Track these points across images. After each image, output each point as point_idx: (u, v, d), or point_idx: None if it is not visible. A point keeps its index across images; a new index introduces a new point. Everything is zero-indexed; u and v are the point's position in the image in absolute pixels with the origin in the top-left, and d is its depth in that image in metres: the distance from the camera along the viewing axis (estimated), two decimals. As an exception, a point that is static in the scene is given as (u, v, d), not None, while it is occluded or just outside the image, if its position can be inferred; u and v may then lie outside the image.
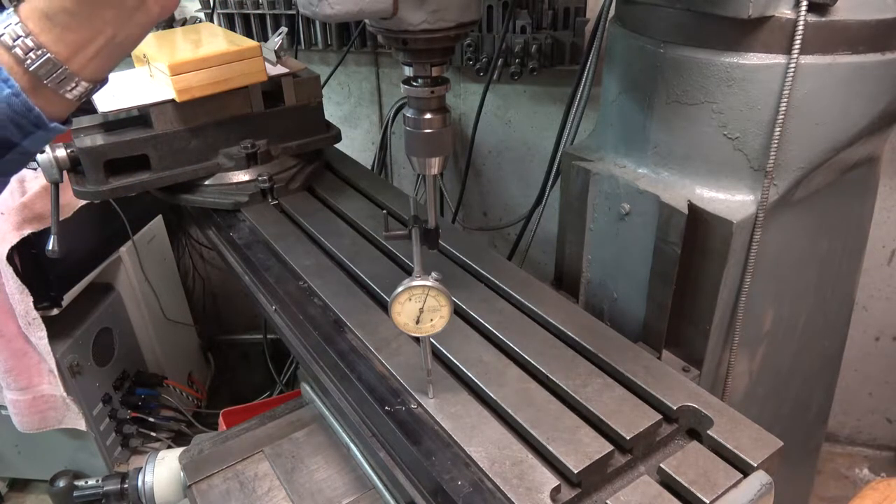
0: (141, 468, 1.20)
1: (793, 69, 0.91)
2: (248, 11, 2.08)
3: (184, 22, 2.25)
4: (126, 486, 1.20)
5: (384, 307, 0.99)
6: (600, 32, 1.50)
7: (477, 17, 0.75)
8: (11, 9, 0.69)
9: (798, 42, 0.89)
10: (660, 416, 0.84)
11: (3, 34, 0.68)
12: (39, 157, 1.29)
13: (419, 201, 0.89)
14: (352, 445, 1.09)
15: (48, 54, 0.69)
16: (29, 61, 0.68)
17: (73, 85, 0.72)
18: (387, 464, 0.90)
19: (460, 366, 0.94)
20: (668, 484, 0.79)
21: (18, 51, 0.68)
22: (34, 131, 0.71)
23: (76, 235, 1.90)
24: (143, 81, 1.40)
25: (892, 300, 2.12)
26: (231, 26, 2.12)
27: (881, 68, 0.95)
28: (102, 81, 0.77)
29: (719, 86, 0.96)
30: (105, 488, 1.21)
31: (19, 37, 0.68)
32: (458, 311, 1.05)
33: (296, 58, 1.96)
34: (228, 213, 1.40)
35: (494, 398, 0.88)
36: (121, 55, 0.76)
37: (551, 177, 1.80)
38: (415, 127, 0.77)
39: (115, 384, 2.14)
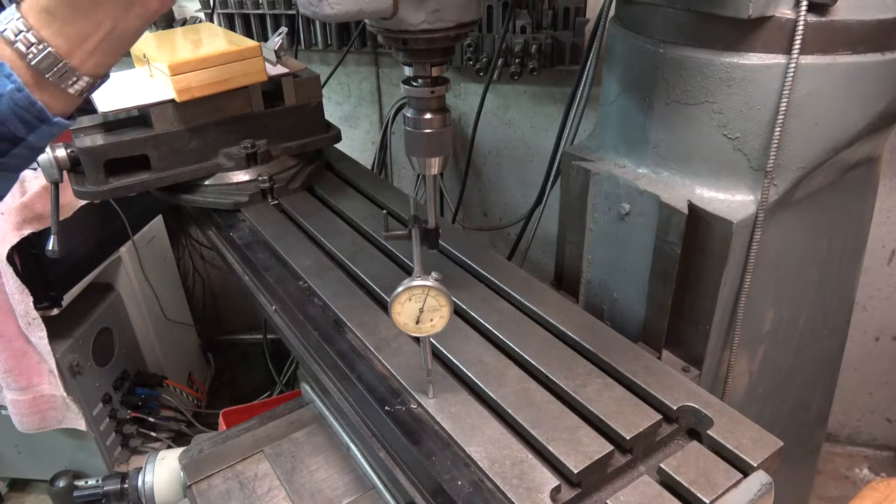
0: (141, 468, 1.20)
1: (793, 69, 0.91)
2: (248, 11, 2.08)
3: (184, 22, 2.25)
4: (126, 486, 1.20)
5: (384, 307, 0.99)
6: (600, 32, 1.50)
7: (477, 17, 0.75)
8: (14, 5, 0.70)
9: (798, 42, 0.89)
10: (660, 416, 0.84)
11: (5, 30, 0.69)
12: (39, 157, 1.29)
13: (419, 201, 0.89)
14: (352, 445, 1.09)
15: (49, 48, 0.69)
16: (31, 56, 0.69)
17: (75, 79, 0.73)
18: (387, 464, 0.90)
19: (460, 366, 0.94)
20: (668, 484, 0.79)
21: (21, 45, 0.69)
22: (38, 125, 0.72)
23: (76, 235, 1.90)
24: (143, 81, 1.40)
25: (892, 300, 2.12)
26: (231, 26, 2.12)
27: (881, 68, 0.95)
28: (104, 77, 0.78)
29: (719, 86, 0.96)
30: (105, 488, 1.21)
31: (21, 32, 0.69)
32: (458, 311, 1.05)
33: (296, 58, 1.95)
34: (228, 213, 1.40)
35: (494, 398, 0.88)
36: (120, 50, 0.76)
37: (551, 177, 1.80)
38: (415, 127, 0.77)
39: (115, 384, 2.14)
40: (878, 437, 2.39)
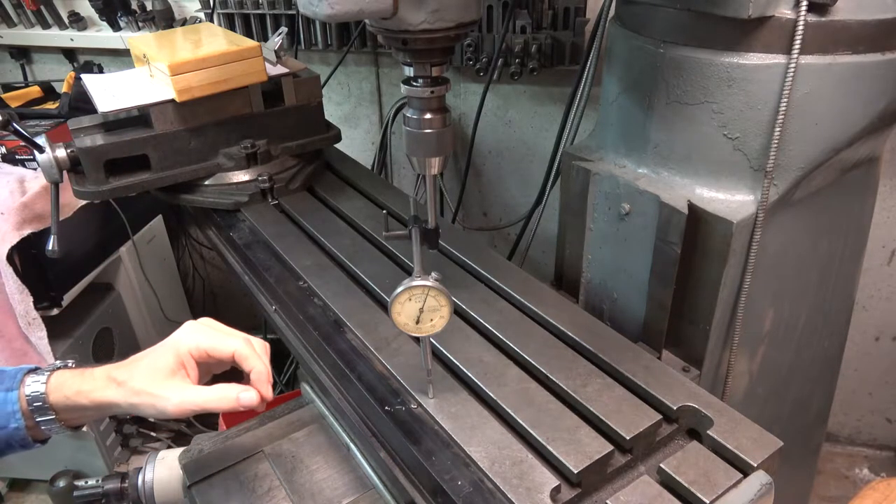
0: (141, 468, 1.20)
1: (793, 69, 0.91)
2: (248, 11, 2.08)
3: (184, 22, 2.25)
4: (126, 485, 1.20)
5: (384, 307, 0.99)
6: (600, 32, 1.50)
7: (477, 16, 0.75)
8: (46, 373, 0.90)
9: (798, 42, 0.89)
10: (660, 416, 0.84)
11: (30, 392, 0.88)
12: (39, 157, 1.29)
13: (419, 201, 0.89)
14: (352, 445, 1.09)
15: (53, 415, 0.90)
16: (38, 416, 0.90)
17: (58, 429, 0.93)
18: (387, 464, 0.90)
19: (460, 366, 0.94)
20: (668, 484, 0.78)
21: (35, 406, 0.89)
22: (21, 449, 0.94)
23: (76, 235, 1.90)
24: (143, 81, 1.40)
25: (892, 300, 2.12)
26: (231, 26, 2.12)
27: (881, 68, 0.95)
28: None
29: (719, 86, 0.96)
30: (105, 488, 1.21)
31: (40, 396, 0.88)
32: (458, 311, 1.05)
33: (296, 58, 1.95)
34: (228, 213, 1.40)
35: (494, 398, 0.88)
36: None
37: (551, 177, 1.80)
38: (415, 127, 0.76)
39: (116, 384, 2.14)
40: (878, 437, 2.39)
